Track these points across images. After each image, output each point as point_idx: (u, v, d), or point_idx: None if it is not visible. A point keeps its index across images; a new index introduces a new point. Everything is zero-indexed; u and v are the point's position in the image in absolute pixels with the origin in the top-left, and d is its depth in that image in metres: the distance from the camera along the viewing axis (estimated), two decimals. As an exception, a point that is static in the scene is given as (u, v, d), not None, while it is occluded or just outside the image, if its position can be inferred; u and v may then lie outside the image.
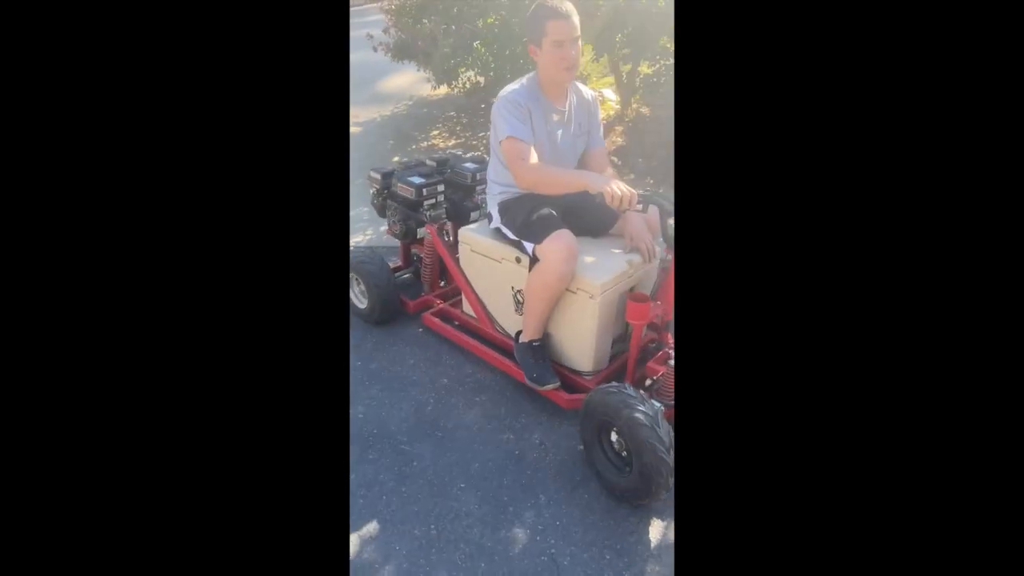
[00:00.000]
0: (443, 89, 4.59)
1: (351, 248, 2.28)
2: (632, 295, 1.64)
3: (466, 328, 2.15)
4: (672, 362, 1.62)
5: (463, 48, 3.76)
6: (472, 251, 2.02)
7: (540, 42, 1.70)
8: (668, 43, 3.57)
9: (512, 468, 1.63)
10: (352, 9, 5.00)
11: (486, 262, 1.98)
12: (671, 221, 1.57)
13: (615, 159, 3.71)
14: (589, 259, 1.76)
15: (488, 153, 2.12)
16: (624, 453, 1.49)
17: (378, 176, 2.33)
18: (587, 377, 1.81)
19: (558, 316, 1.81)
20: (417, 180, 2.19)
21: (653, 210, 1.69)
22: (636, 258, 1.80)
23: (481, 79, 4.28)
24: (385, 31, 4.38)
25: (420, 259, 2.36)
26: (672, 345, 1.71)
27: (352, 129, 4.63)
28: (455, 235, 2.20)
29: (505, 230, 1.88)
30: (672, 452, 1.36)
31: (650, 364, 1.68)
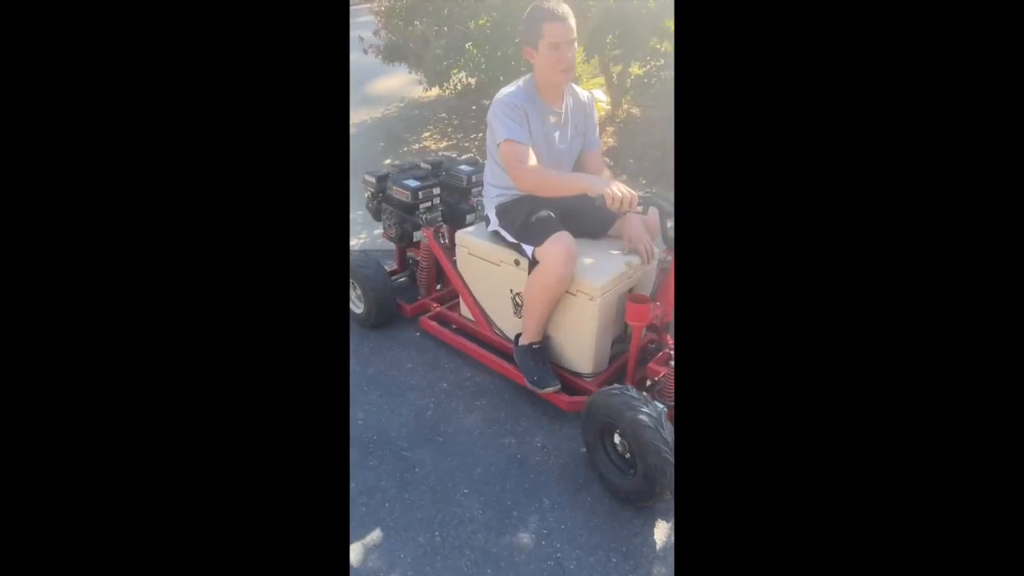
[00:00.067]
0: (434, 91, 4.58)
1: (346, 252, 2.27)
2: (632, 296, 1.64)
3: (464, 331, 2.14)
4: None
5: (455, 50, 3.75)
6: (470, 254, 2.01)
7: (536, 44, 1.69)
8: (658, 44, 3.58)
9: (515, 472, 1.62)
10: (341, 11, 4.95)
11: (484, 265, 1.97)
12: (671, 222, 1.57)
13: (607, 160, 3.71)
14: (588, 261, 1.76)
15: (481, 155, 2.11)
16: (628, 455, 1.49)
17: (373, 179, 2.32)
18: (587, 379, 1.81)
19: (558, 318, 1.81)
20: (413, 183, 2.18)
21: (652, 211, 1.69)
22: (635, 259, 1.80)
23: (472, 81, 4.27)
24: (375, 33, 4.36)
25: (416, 262, 2.34)
26: (672, 346, 1.71)
27: (343, 132, 4.59)
28: (451, 238, 2.19)
29: (503, 233, 1.87)
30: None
31: (651, 365, 1.68)
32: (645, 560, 1.38)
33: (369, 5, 4.63)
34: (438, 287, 2.35)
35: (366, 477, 1.60)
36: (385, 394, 1.92)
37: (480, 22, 3.69)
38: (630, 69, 3.97)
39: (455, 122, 4.88)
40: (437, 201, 2.23)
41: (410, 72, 4.52)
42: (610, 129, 4.23)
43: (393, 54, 4.37)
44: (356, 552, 1.40)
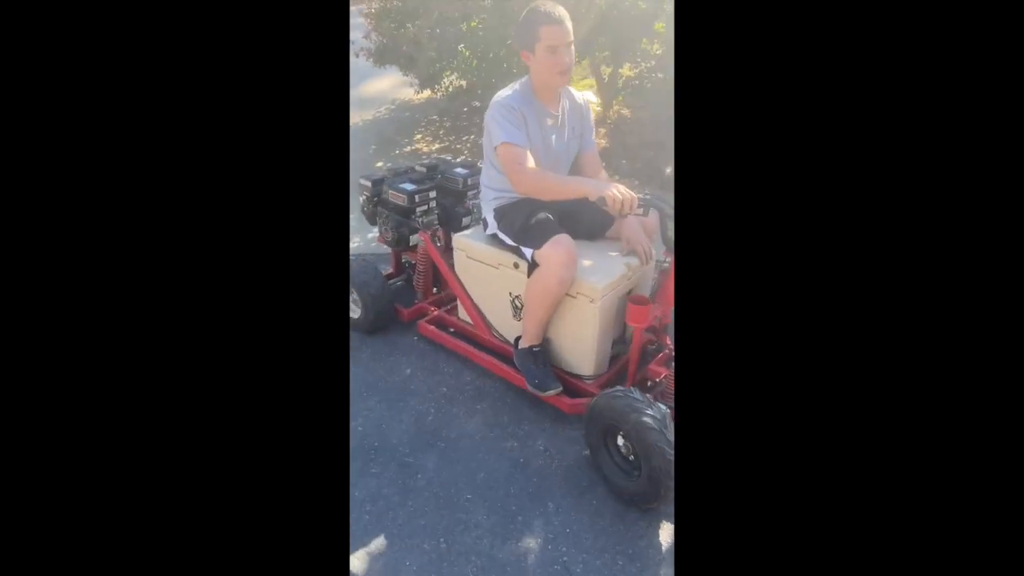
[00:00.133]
0: (426, 93, 4.57)
1: (343, 257, 2.25)
2: (633, 298, 1.64)
3: (462, 335, 2.13)
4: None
5: (448, 52, 3.74)
6: (468, 257, 2.00)
7: (533, 47, 1.69)
8: (648, 45, 3.59)
9: (518, 476, 1.62)
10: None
11: (483, 268, 1.97)
12: (671, 224, 1.58)
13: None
14: (587, 262, 1.75)
15: (474, 157, 2.10)
16: (632, 457, 1.49)
17: (368, 183, 2.30)
18: (588, 381, 1.81)
19: (558, 320, 1.80)
20: (409, 187, 2.17)
21: (652, 213, 1.69)
22: (634, 261, 1.80)
23: (464, 83, 4.26)
24: (366, 36, 4.34)
25: (412, 266, 2.33)
26: (672, 346, 1.71)
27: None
28: (447, 241, 2.18)
29: (502, 236, 1.86)
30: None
31: (653, 366, 1.68)
32: (652, 562, 1.38)
33: (359, 6, 4.60)
34: (434, 291, 2.34)
35: (369, 484, 1.59)
36: (385, 400, 1.91)
37: (472, 24, 3.68)
38: (620, 70, 3.98)
39: (447, 124, 4.87)
40: (433, 204, 2.22)
41: (403, 74, 4.49)
42: (602, 130, 4.24)
43: (385, 56, 4.34)
44: (361, 560, 1.39)
